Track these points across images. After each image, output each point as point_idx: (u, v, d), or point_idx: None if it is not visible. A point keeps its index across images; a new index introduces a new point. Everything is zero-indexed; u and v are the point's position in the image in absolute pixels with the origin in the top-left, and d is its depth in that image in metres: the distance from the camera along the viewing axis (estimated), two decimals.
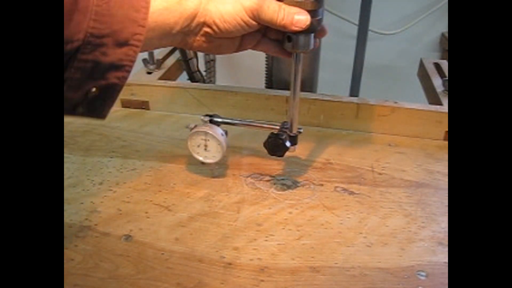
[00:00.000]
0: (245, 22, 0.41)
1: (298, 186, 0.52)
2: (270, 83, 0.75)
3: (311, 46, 0.43)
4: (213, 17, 0.41)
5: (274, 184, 0.53)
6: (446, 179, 0.54)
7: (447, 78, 0.68)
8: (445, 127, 0.61)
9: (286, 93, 0.62)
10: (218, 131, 0.49)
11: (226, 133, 0.51)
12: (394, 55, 1.09)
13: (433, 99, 0.68)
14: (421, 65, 0.77)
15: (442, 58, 0.89)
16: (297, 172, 0.55)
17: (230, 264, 0.42)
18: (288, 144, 0.48)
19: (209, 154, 0.51)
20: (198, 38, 0.42)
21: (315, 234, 0.46)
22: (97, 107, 0.38)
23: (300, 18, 0.40)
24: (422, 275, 0.41)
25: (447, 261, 0.43)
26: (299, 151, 0.56)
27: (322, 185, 0.52)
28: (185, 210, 0.49)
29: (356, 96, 0.76)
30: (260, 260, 0.43)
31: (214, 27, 0.41)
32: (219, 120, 0.51)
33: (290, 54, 0.45)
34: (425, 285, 0.40)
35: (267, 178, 0.54)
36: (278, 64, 0.69)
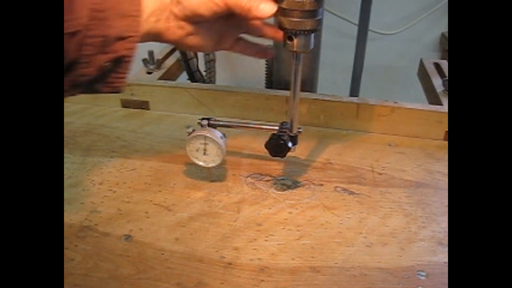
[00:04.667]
0: (211, 1, 0.40)
1: (298, 186, 0.52)
2: (270, 83, 0.75)
3: (311, 46, 0.43)
4: None
5: (274, 184, 0.53)
6: (446, 179, 0.54)
7: (447, 78, 0.68)
8: (445, 127, 0.61)
9: (286, 93, 0.62)
10: (217, 134, 0.49)
11: (224, 135, 0.50)
12: (394, 55, 1.09)
13: (433, 99, 0.68)
14: (421, 65, 0.77)
15: (442, 58, 0.89)
16: (297, 172, 0.55)
17: (230, 264, 0.42)
18: (290, 144, 0.48)
19: (209, 158, 0.50)
20: (170, 25, 0.42)
21: (315, 234, 0.46)
22: (112, 80, 0.40)
23: (265, 6, 0.40)
24: (422, 275, 0.41)
25: (447, 261, 0.43)
26: (299, 151, 0.56)
27: (322, 185, 0.52)
28: (185, 210, 0.49)
29: (356, 96, 0.76)
30: (260, 260, 0.43)
31: (180, 6, 0.41)
32: (217, 122, 0.50)
33: (266, 55, 0.46)
34: (425, 285, 0.41)
35: (267, 178, 0.54)
36: (278, 64, 0.69)
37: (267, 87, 0.76)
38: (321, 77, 0.72)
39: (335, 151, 0.59)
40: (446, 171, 0.56)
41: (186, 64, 0.76)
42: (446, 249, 0.44)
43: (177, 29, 0.42)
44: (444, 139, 0.61)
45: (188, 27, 0.43)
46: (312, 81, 0.68)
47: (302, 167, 0.56)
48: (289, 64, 0.46)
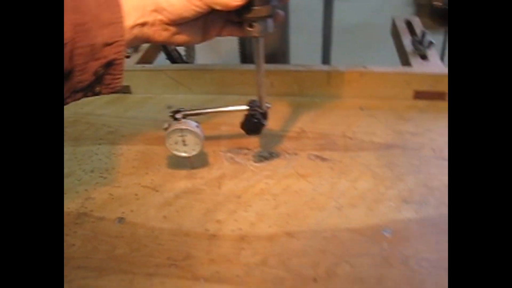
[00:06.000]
0: (190, 2, 0.43)
1: (274, 157, 0.56)
2: (245, 57, 0.77)
3: (270, 30, 0.45)
4: (160, 2, 0.43)
5: (252, 156, 0.57)
6: (414, 139, 0.58)
7: (417, 37, 0.70)
8: (413, 87, 0.63)
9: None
10: (192, 124, 0.52)
11: (199, 123, 0.52)
12: (369, 12, 1.09)
13: (404, 59, 0.70)
14: (393, 24, 0.79)
15: (417, 13, 0.90)
16: (273, 143, 0.58)
17: (214, 235, 0.47)
18: (264, 121, 0.52)
19: (188, 148, 0.53)
20: (156, 28, 0.44)
21: (290, 202, 0.50)
22: (109, 82, 0.44)
23: None
24: (387, 232, 0.46)
25: (410, 217, 0.47)
26: (274, 122, 0.59)
27: (296, 154, 0.56)
28: (171, 189, 0.53)
29: (328, 61, 0.78)
30: (240, 230, 0.47)
31: (165, 13, 0.43)
32: (190, 112, 0.52)
33: None
34: (389, 241, 0.45)
35: (245, 151, 0.57)
36: (250, 38, 0.71)
37: (242, 62, 0.78)
38: (294, 43, 0.74)
39: (309, 120, 0.62)
40: (415, 130, 0.59)
41: (163, 46, 0.78)
42: (410, 206, 0.49)
43: (163, 31, 0.45)
44: (413, 99, 0.64)
45: (173, 28, 0.45)
46: (284, 52, 0.70)
47: (278, 138, 0.59)
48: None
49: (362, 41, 1.13)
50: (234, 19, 0.48)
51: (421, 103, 0.64)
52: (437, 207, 0.48)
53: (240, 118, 0.52)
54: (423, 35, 0.69)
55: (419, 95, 0.64)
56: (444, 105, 0.64)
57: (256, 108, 0.51)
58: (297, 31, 0.78)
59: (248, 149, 0.58)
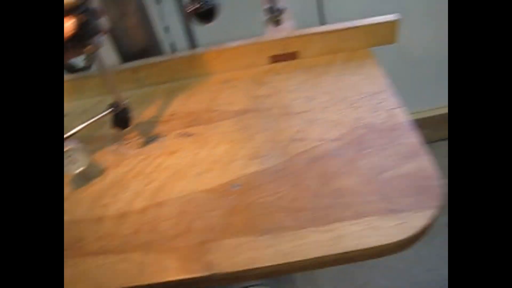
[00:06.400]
0: None
1: (150, 142, 0.66)
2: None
3: (101, 44, 0.54)
4: None
5: (132, 145, 0.66)
6: (267, 100, 0.68)
7: (272, 4, 0.78)
8: (267, 53, 0.73)
9: (131, 64, 0.73)
10: (72, 143, 0.59)
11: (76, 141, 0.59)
12: None
13: (261, 28, 0.79)
14: None
15: None
16: (149, 130, 0.68)
17: (100, 218, 0.58)
18: (128, 115, 0.61)
19: (79, 163, 0.60)
20: None
21: (160, 177, 0.61)
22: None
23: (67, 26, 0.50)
24: (235, 187, 0.57)
25: (256, 170, 0.58)
26: (150, 111, 0.69)
27: (166, 135, 0.66)
28: (66, 187, 0.63)
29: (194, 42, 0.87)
30: (120, 208, 0.58)
31: None
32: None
33: None
34: (239, 193, 0.56)
35: (127, 142, 0.67)
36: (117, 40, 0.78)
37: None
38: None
39: (179, 103, 0.72)
40: (268, 92, 0.69)
41: None
42: (257, 161, 0.59)
43: None
44: (268, 63, 0.74)
45: None
46: (154, 45, 0.78)
47: (153, 124, 0.69)
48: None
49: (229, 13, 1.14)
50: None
51: (278, 65, 0.74)
52: (278, 157, 0.59)
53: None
54: (273, 2, 0.77)
55: (273, 59, 0.73)
56: (296, 63, 0.73)
57: (117, 107, 0.61)
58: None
59: (129, 139, 0.67)
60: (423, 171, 0.52)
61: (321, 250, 0.47)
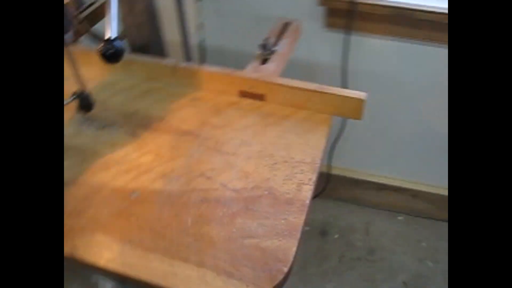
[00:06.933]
0: None
1: (101, 128, 0.75)
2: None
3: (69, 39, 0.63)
4: None
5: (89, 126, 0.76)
6: (212, 131, 0.73)
7: (264, 43, 0.81)
8: (237, 86, 0.77)
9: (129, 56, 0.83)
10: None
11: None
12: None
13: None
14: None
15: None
16: (108, 117, 0.77)
17: None
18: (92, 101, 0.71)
19: None
20: None
21: (92, 160, 0.70)
22: None
23: None
24: (135, 195, 0.64)
25: (159, 188, 0.65)
26: (120, 101, 0.78)
27: (118, 128, 0.75)
28: None
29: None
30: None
31: None
32: None
33: None
34: (134, 201, 0.63)
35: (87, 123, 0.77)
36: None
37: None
38: None
39: (148, 104, 0.80)
40: (219, 123, 0.74)
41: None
42: (164, 179, 0.66)
43: None
44: (237, 96, 0.78)
45: None
46: (158, 41, 0.86)
47: (114, 114, 0.78)
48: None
49: None
50: None
51: (244, 101, 0.78)
52: (182, 185, 0.65)
53: None
54: (268, 40, 0.80)
55: (242, 94, 0.78)
56: (260, 104, 0.77)
57: (82, 94, 0.70)
58: None
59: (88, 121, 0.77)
60: (281, 252, 0.55)
61: (153, 277, 0.53)
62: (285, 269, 0.54)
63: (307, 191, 0.62)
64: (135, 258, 0.56)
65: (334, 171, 1.39)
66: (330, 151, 1.20)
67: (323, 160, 0.68)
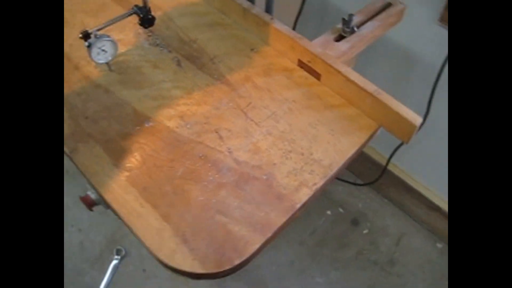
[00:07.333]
0: None
1: (155, 46, 0.75)
2: None
3: None
4: None
5: (148, 41, 0.76)
6: (252, 91, 0.69)
7: (348, 19, 0.72)
8: (297, 54, 0.70)
9: None
10: (104, 37, 0.66)
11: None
12: None
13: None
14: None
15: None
16: (165, 38, 0.76)
17: None
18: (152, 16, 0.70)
19: (108, 54, 0.68)
20: None
21: (132, 71, 0.71)
22: None
23: None
24: (148, 124, 0.65)
25: (173, 126, 0.64)
26: (184, 25, 0.76)
27: (170, 51, 0.74)
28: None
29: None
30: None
31: None
32: (95, 30, 0.66)
33: None
34: (144, 130, 0.64)
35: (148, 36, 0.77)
36: None
37: None
38: None
39: (209, 37, 0.76)
40: (263, 85, 0.69)
41: None
42: (182, 121, 0.65)
43: None
44: (296, 64, 0.72)
45: None
46: None
47: (173, 36, 0.76)
48: None
49: None
50: None
51: (300, 72, 0.71)
52: (193, 134, 0.63)
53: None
54: (352, 17, 0.71)
55: (300, 64, 0.71)
56: (312, 82, 0.70)
57: (143, 9, 0.69)
58: None
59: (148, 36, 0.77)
60: (242, 243, 0.53)
61: (121, 208, 0.55)
62: (236, 262, 0.52)
63: (304, 195, 0.57)
64: (116, 184, 0.58)
65: (392, 168, 1.28)
66: (396, 146, 1.09)
67: (342, 170, 0.62)
